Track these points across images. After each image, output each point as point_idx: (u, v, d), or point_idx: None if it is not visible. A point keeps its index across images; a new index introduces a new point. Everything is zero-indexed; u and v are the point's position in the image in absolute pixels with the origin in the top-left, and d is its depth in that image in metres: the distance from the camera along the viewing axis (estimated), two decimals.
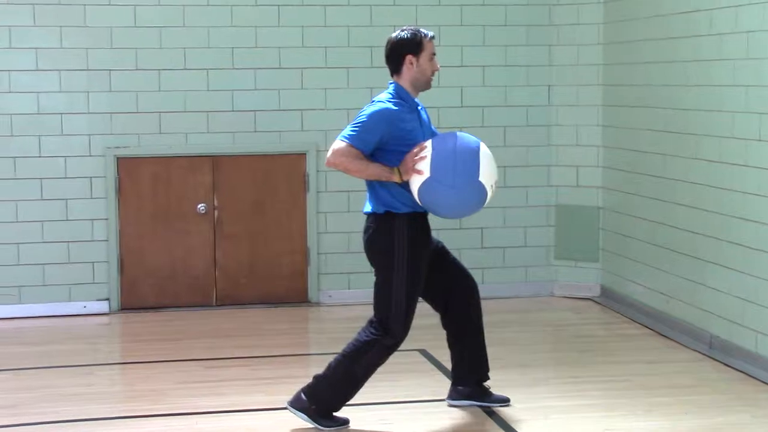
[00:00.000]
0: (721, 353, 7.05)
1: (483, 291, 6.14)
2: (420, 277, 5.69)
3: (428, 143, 5.56)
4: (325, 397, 5.67)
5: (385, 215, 5.64)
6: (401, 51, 5.68)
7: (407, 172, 5.51)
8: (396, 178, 5.54)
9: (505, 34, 8.96)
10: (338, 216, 8.80)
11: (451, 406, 6.10)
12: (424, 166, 5.47)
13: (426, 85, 5.77)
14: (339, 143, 5.54)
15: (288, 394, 5.79)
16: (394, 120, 5.58)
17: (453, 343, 6.06)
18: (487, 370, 6.10)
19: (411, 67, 5.69)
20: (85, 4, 8.43)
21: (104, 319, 8.49)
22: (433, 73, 5.78)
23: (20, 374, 7.00)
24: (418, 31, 5.73)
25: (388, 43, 5.74)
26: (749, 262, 6.75)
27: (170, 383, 6.69)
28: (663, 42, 7.82)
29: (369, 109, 5.61)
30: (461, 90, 8.95)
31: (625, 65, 8.50)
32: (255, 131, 8.72)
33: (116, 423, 5.99)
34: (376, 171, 5.55)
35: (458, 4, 8.88)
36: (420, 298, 5.78)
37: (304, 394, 5.67)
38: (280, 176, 8.79)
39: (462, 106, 8.94)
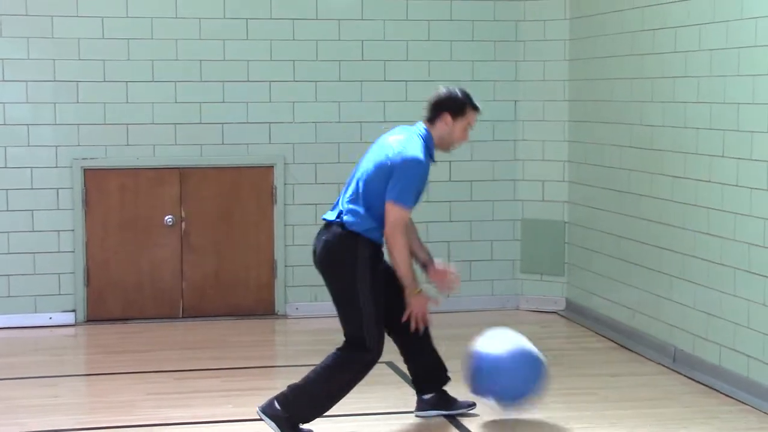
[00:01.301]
0: (685, 366, 7.12)
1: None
2: (381, 288, 5.71)
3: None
4: (299, 409, 5.63)
5: (349, 232, 5.64)
6: (443, 106, 5.75)
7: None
8: (415, 291, 5.70)
9: (472, 49, 9.02)
10: (305, 229, 8.79)
11: (418, 417, 6.13)
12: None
13: (447, 148, 5.85)
14: (400, 211, 5.56)
15: (256, 405, 5.77)
16: (426, 177, 5.69)
17: (408, 355, 6.09)
18: (446, 370, 6.13)
19: (444, 126, 5.74)
20: (52, 16, 8.42)
21: (70, 331, 8.45)
22: (459, 142, 5.83)
23: None
24: (469, 97, 5.80)
25: (438, 92, 5.80)
26: (713, 276, 6.83)
27: (137, 395, 6.67)
28: (628, 58, 7.91)
29: (413, 166, 5.57)
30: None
31: (590, 81, 8.58)
32: (222, 144, 8.73)
33: None
34: (410, 274, 5.70)
35: (425, 18, 8.93)
36: None
37: (278, 402, 5.62)
38: (248, 189, 8.80)
39: None
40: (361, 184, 5.68)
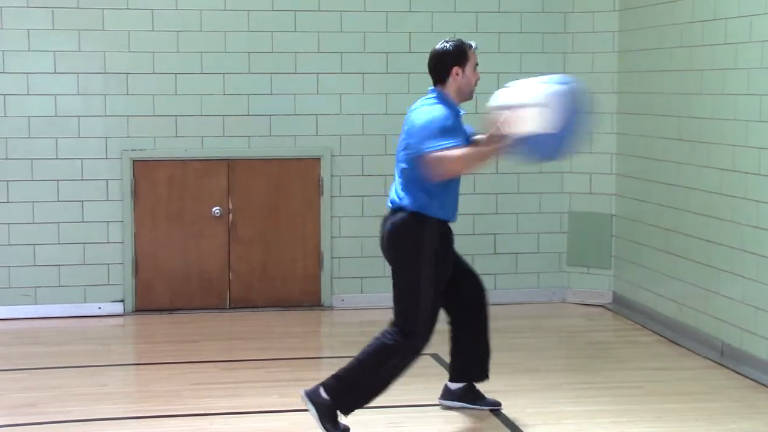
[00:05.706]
0: (733, 361, 7.07)
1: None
2: (446, 279, 5.71)
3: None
4: (345, 397, 5.58)
5: (417, 215, 5.61)
6: (448, 62, 5.73)
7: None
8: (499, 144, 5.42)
9: (520, 41, 8.99)
10: (352, 220, 8.84)
11: (441, 405, 6.12)
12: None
13: (470, 95, 5.82)
14: (433, 158, 5.45)
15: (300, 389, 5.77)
16: (445, 115, 5.61)
17: (457, 339, 6.05)
18: (485, 372, 6.11)
19: (457, 77, 5.74)
20: (103, 8, 8.50)
21: (119, 321, 8.54)
22: (475, 83, 5.83)
23: (35, 374, 7.05)
24: (462, 42, 5.79)
25: (433, 54, 5.78)
26: (762, 270, 6.77)
27: (184, 384, 6.73)
28: (678, 50, 7.85)
29: (423, 117, 5.56)
30: (476, 96, 8.87)
31: (639, 73, 8.52)
32: (270, 135, 8.77)
33: (129, 423, 6.05)
34: (484, 152, 5.50)
35: (473, 11, 8.92)
36: None
37: (325, 390, 5.56)
38: (295, 180, 8.84)
39: (476, 113, 8.89)
40: (402, 165, 5.68)
